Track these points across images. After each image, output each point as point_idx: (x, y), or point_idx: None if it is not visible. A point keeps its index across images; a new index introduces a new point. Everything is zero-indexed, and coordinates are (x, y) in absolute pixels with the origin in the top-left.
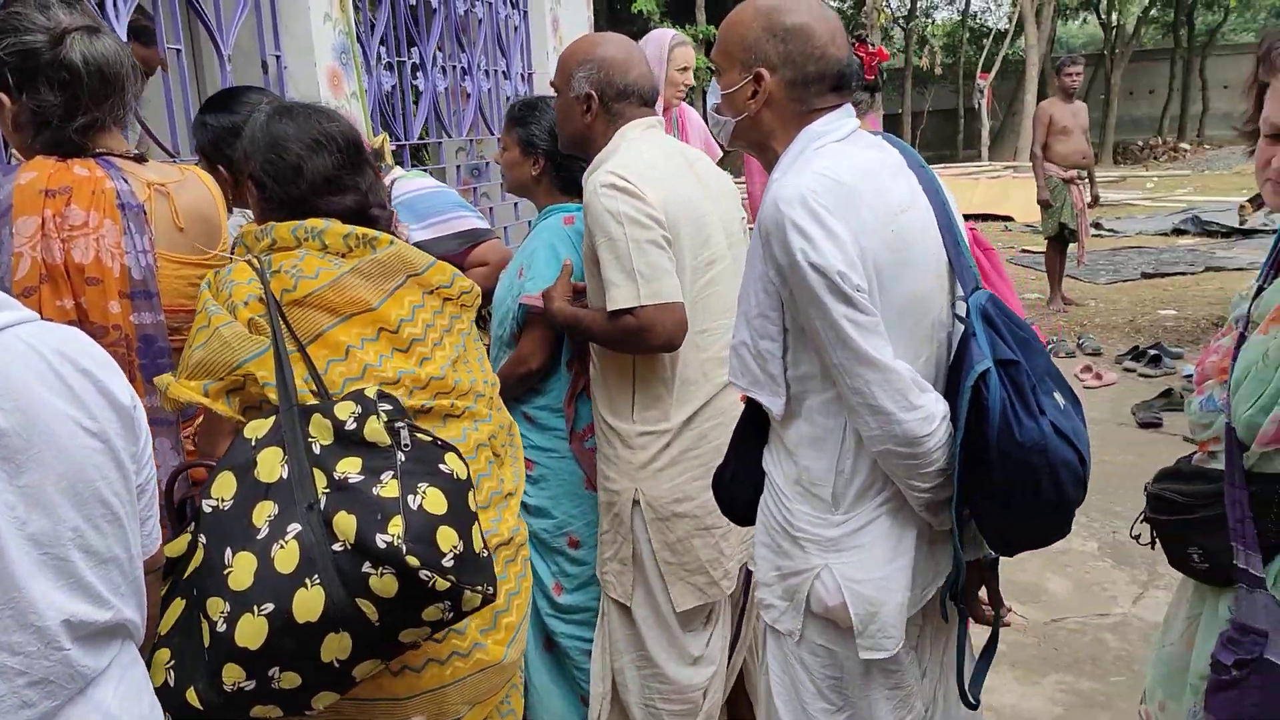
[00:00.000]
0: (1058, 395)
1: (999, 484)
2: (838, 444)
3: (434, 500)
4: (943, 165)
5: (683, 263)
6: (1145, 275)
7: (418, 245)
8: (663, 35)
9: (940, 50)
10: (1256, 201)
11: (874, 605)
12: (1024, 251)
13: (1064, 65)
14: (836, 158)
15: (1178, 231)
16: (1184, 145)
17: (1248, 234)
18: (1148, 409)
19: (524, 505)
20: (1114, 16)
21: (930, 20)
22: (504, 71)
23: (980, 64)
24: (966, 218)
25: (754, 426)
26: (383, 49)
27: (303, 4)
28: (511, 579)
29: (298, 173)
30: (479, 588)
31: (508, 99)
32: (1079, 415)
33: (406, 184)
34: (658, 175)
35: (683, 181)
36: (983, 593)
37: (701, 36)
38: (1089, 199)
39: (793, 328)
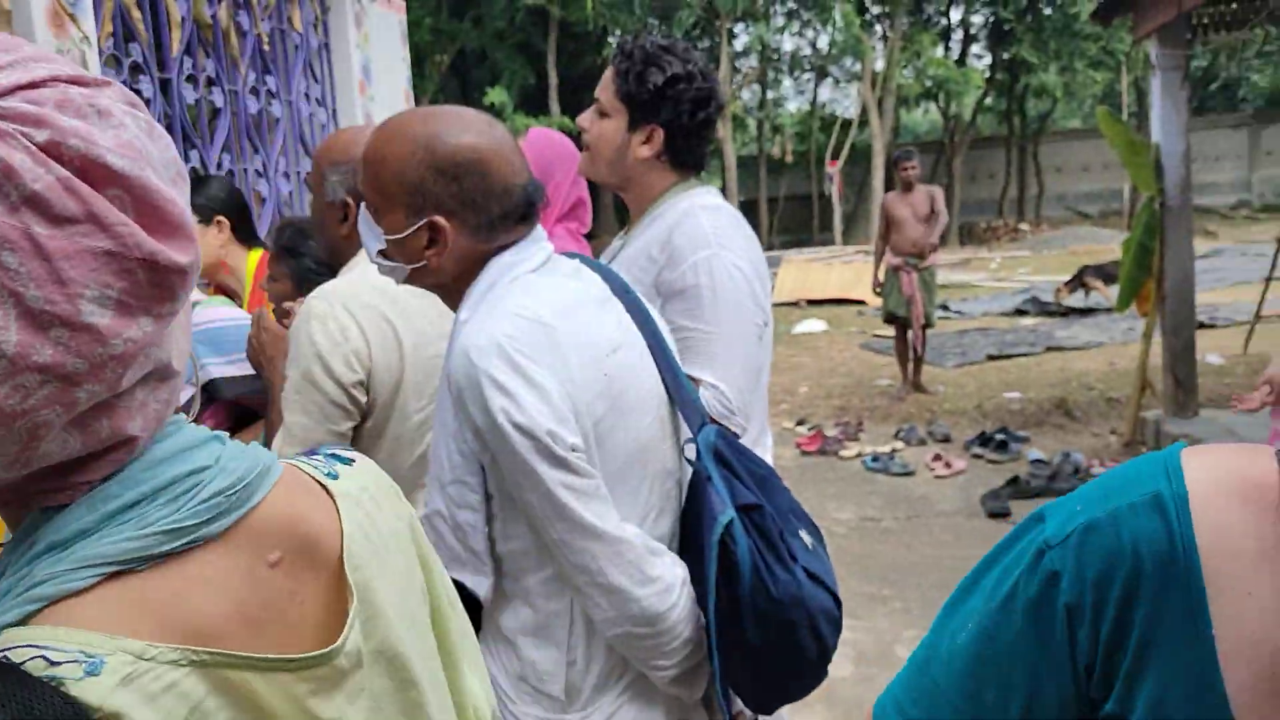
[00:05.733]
0: (804, 534)
1: (755, 643)
2: (565, 629)
3: None
4: (798, 249)
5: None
6: (990, 357)
7: (214, 381)
8: None
9: (792, 138)
10: (1071, 285)
11: None
12: (876, 336)
13: (899, 160)
14: (532, 293)
15: (1019, 312)
16: (1023, 226)
17: (1084, 313)
18: (996, 498)
19: None
20: (952, 106)
21: (781, 109)
22: None
23: (829, 151)
24: (822, 303)
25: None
26: None
27: None
28: None
29: None
30: None
31: None
32: (824, 549)
33: (206, 312)
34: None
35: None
36: None
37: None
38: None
39: (499, 494)
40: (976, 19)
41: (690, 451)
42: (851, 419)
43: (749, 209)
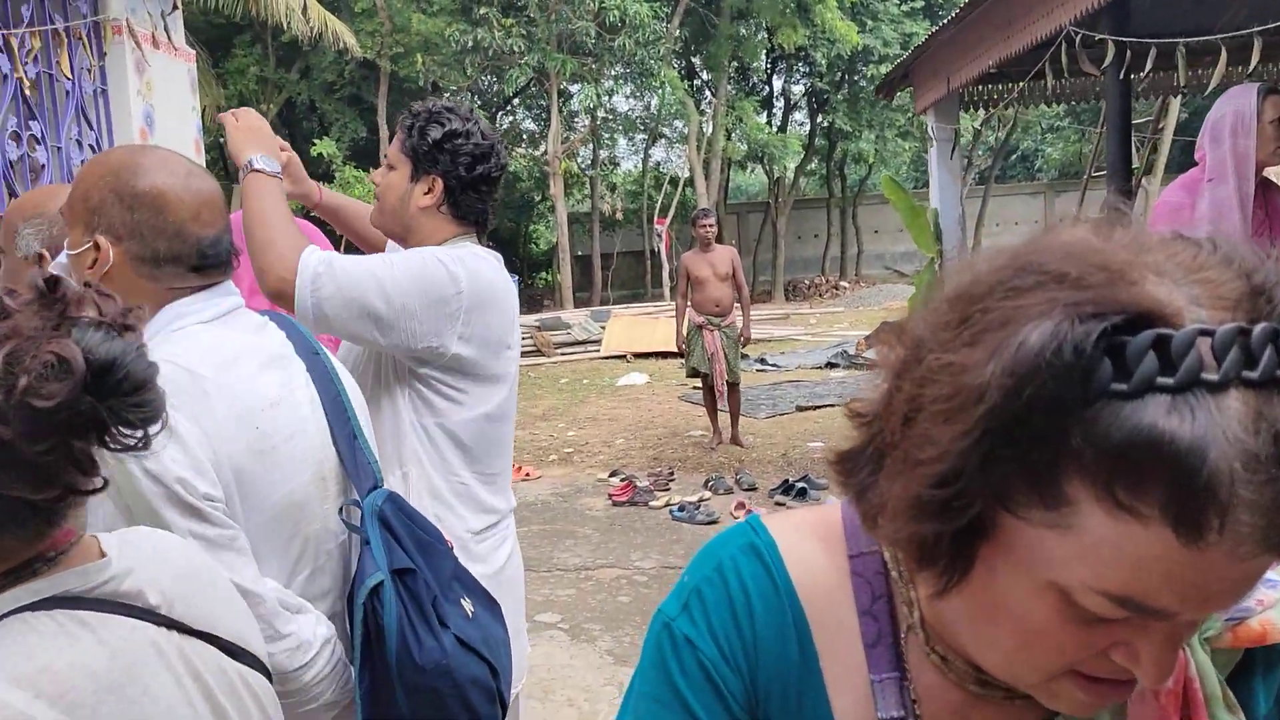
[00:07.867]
0: (466, 602)
1: (403, 708)
2: None
3: None
4: (626, 305)
5: None
6: (800, 408)
7: None
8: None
9: (623, 196)
10: (870, 340)
11: None
12: (695, 388)
13: (696, 219)
14: (192, 344)
15: (830, 365)
16: (844, 283)
17: None
18: None
19: None
20: (775, 169)
21: (616, 168)
22: None
23: (658, 209)
24: (647, 356)
25: None
26: None
27: None
28: None
29: None
30: None
31: None
32: (497, 619)
33: None
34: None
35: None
36: None
37: None
38: (741, 338)
39: None
40: (796, 88)
41: (354, 515)
42: (664, 469)
43: (584, 263)
